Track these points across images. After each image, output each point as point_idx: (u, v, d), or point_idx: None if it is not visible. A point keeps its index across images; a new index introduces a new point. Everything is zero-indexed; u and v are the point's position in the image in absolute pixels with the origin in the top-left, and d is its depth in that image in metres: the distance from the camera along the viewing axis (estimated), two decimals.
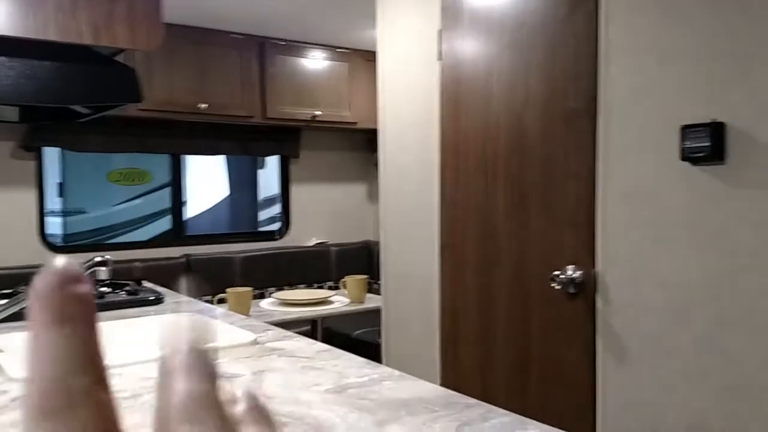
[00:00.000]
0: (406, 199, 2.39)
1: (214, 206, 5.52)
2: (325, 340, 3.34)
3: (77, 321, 0.22)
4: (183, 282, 3.16)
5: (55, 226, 4.62)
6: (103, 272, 1.45)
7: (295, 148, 4.20)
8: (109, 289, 2.05)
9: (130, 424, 0.73)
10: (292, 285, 4.04)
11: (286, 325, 2.42)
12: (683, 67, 1.50)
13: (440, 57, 2.19)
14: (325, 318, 3.48)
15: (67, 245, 4.12)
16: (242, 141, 4.01)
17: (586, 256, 1.74)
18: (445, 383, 2.18)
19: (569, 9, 1.76)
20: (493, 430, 0.89)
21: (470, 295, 2.11)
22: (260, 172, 5.11)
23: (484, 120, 2.04)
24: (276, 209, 4.57)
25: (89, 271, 1.44)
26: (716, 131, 1.42)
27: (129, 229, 5.09)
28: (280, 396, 1.06)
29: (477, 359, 2.10)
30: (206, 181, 5.49)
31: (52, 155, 4.07)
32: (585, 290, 1.74)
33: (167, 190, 4.11)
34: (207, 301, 2.71)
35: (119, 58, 1.93)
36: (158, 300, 1.98)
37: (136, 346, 1.63)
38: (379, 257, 2.56)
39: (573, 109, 1.76)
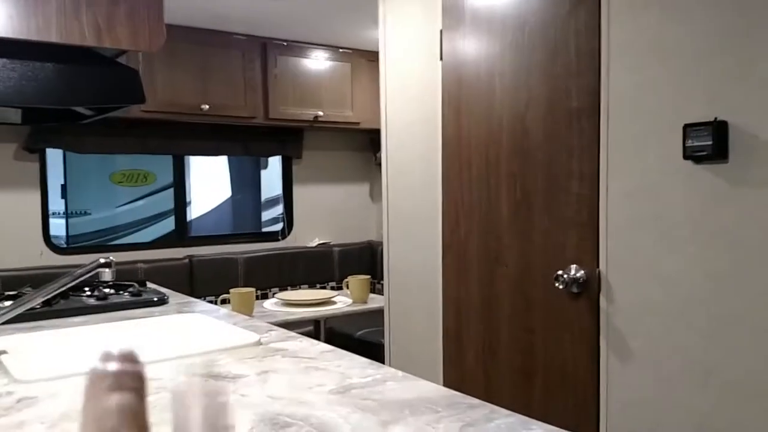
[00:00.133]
0: (409, 198, 2.39)
1: (216, 207, 5.53)
2: (328, 340, 3.35)
3: (130, 391, 0.25)
4: None
5: (58, 227, 4.63)
6: (107, 274, 1.45)
7: (298, 149, 4.20)
8: (113, 291, 2.05)
9: None
10: (294, 285, 4.04)
11: (289, 325, 2.43)
12: (686, 65, 1.49)
13: (442, 57, 2.19)
14: (328, 318, 3.48)
15: (71, 247, 4.13)
16: (245, 142, 4.01)
17: (590, 256, 1.74)
18: (448, 383, 2.18)
19: (571, 8, 1.76)
20: (497, 431, 0.89)
21: (473, 294, 2.11)
22: (263, 173, 5.12)
23: (486, 119, 2.04)
24: (278, 210, 4.57)
25: (93, 272, 1.45)
26: (719, 130, 1.42)
27: (132, 230, 5.11)
28: (283, 397, 1.06)
29: (480, 359, 2.09)
30: (209, 182, 5.49)
31: (55, 157, 4.08)
32: (588, 290, 1.74)
33: (170, 191, 4.12)
34: (210, 302, 2.71)
35: (121, 59, 1.93)
36: (162, 301, 1.98)
37: (140, 348, 1.63)
38: (382, 257, 2.56)
39: (575, 108, 1.76)
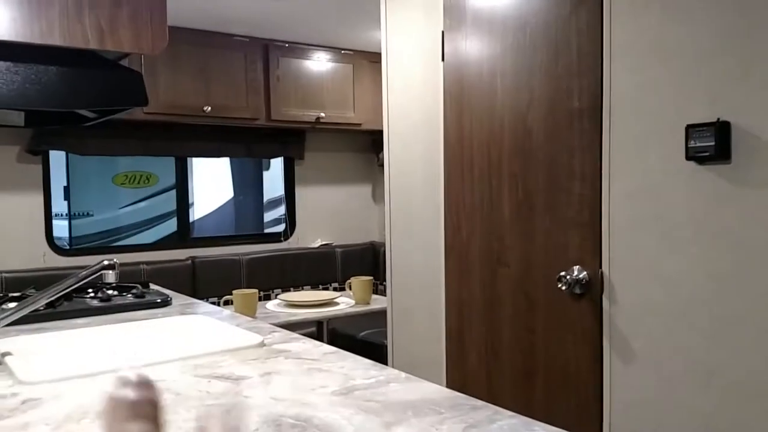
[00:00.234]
0: (411, 199, 2.39)
1: (219, 208, 5.54)
2: (331, 341, 3.35)
3: (149, 419, 0.25)
4: None
5: (61, 229, 4.64)
6: (110, 275, 1.45)
7: (300, 150, 4.21)
8: (116, 292, 2.05)
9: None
10: (297, 287, 4.04)
11: (291, 326, 2.43)
12: (688, 65, 1.49)
13: (444, 58, 2.19)
14: (331, 319, 3.48)
15: (74, 248, 4.14)
16: (247, 143, 4.02)
17: (592, 257, 1.74)
18: (450, 383, 2.19)
19: (572, 8, 1.76)
20: None
21: (476, 295, 2.11)
22: (265, 174, 5.13)
23: (488, 120, 2.04)
24: (281, 211, 4.58)
25: (97, 274, 1.45)
26: (721, 130, 1.42)
27: (135, 231, 5.11)
28: (287, 398, 1.06)
29: (483, 359, 2.10)
30: (211, 183, 5.50)
31: (57, 159, 4.10)
32: (591, 291, 1.74)
33: (173, 193, 4.13)
34: (213, 303, 2.71)
35: (124, 62, 1.94)
36: (165, 303, 1.99)
37: (143, 349, 1.64)
38: (384, 258, 2.56)
39: (577, 109, 1.76)
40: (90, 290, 2.05)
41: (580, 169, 1.76)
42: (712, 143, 1.42)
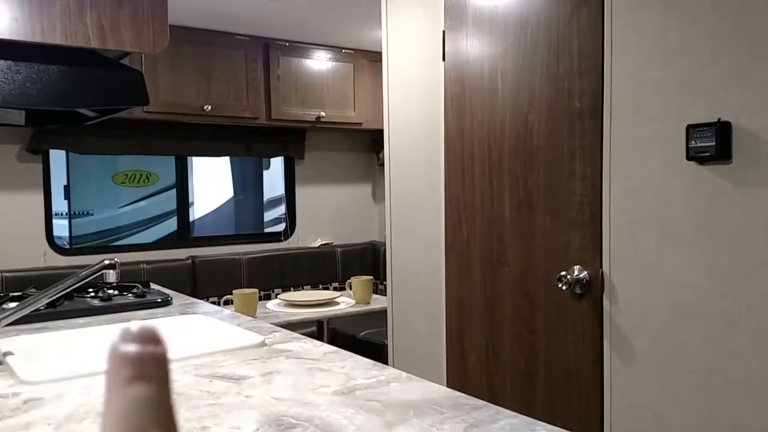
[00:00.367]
0: (412, 199, 2.39)
1: (219, 208, 5.54)
2: (331, 341, 3.35)
3: (153, 380, 0.23)
4: None
5: (61, 228, 4.64)
6: (111, 275, 1.45)
7: (300, 149, 4.21)
8: (117, 292, 2.06)
9: None
10: (297, 286, 4.05)
11: (292, 326, 2.43)
12: (689, 65, 1.49)
13: (444, 57, 2.19)
14: (331, 319, 3.48)
15: (74, 247, 4.14)
16: (247, 142, 4.02)
17: (593, 257, 1.74)
18: (451, 383, 2.19)
19: (573, 8, 1.76)
20: None
21: (476, 295, 2.11)
22: (265, 174, 5.13)
23: (489, 120, 2.04)
24: (281, 210, 4.58)
25: (98, 273, 1.45)
26: (722, 130, 1.42)
27: (135, 231, 5.11)
28: (288, 398, 1.06)
29: (483, 359, 2.10)
30: (211, 182, 5.50)
31: (58, 158, 4.09)
32: (592, 290, 1.74)
33: (173, 192, 4.12)
34: (213, 303, 2.72)
35: (125, 61, 1.94)
36: (166, 302, 1.99)
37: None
38: (385, 258, 2.56)
39: (578, 109, 1.76)
40: (91, 290, 2.05)
41: (581, 168, 1.76)
42: (713, 143, 1.43)
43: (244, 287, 3.64)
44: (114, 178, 4.68)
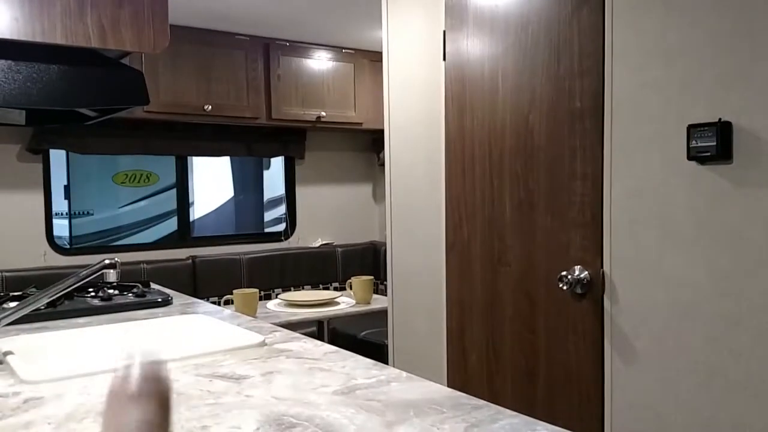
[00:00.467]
0: (412, 199, 2.39)
1: (219, 208, 5.54)
2: (332, 341, 3.35)
3: (153, 398, 0.24)
4: None
5: (61, 228, 4.64)
6: (112, 274, 1.45)
7: (301, 149, 4.21)
8: (117, 292, 2.05)
9: None
10: (298, 286, 4.05)
11: (292, 326, 2.43)
12: (689, 65, 1.49)
13: (445, 57, 2.19)
14: (332, 319, 3.48)
15: (74, 247, 4.14)
16: (247, 142, 4.02)
17: (593, 256, 1.74)
18: (451, 383, 2.19)
19: (574, 8, 1.76)
20: None
21: (477, 294, 2.11)
22: (265, 173, 5.13)
23: (489, 119, 2.04)
24: (281, 210, 4.58)
25: (98, 273, 1.45)
26: (723, 130, 1.42)
27: (135, 230, 5.11)
28: (288, 397, 1.06)
29: (484, 359, 2.10)
30: (212, 182, 5.50)
31: (58, 158, 4.09)
32: (592, 290, 1.74)
33: (173, 192, 4.13)
34: (214, 303, 2.72)
35: (125, 60, 1.94)
36: (166, 302, 1.99)
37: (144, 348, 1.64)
38: (385, 258, 2.56)
39: (579, 109, 1.76)
40: (91, 289, 2.05)
41: (582, 168, 1.76)
42: (714, 143, 1.42)
43: (244, 287, 3.64)
44: (114, 178, 4.68)
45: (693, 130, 1.47)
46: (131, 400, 0.25)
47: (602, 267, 1.71)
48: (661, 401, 1.58)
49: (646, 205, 1.59)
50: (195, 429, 0.93)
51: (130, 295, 2.03)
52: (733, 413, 1.44)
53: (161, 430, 0.26)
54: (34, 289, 1.99)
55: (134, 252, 3.72)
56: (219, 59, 3.57)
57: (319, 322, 3.46)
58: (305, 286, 4.07)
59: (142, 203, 5.07)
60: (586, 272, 1.75)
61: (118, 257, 1.51)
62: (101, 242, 4.96)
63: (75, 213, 4.90)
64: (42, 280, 2.83)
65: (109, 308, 1.89)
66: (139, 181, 4.70)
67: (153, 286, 2.28)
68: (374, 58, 4.01)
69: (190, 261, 3.74)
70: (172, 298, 2.03)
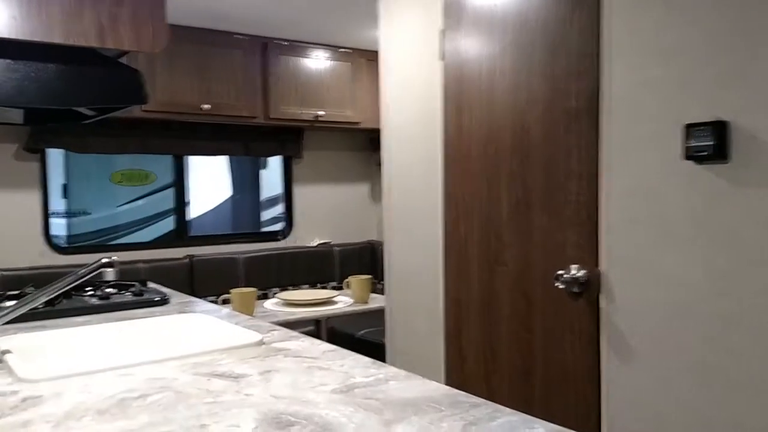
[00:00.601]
0: (410, 198, 2.39)
1: (216, 207, 5.54)
2: (329, 340, 3.35)
3: None
4: None
5: (59, 227, 4.63)
6: (110, 273, 1.45)
7: (298, 149, 4.21)
8: (115, 290, 2.05)
9: (138, 424, 0.75)
10: (295, 285, 4.05)
11: (290, 325, 2.43)
12: (686, 65, 1.50)
13: (442, 57, 2.19)
14: (329, 318, 3.49)
15: (71, 246, 4.14)
16: (245, 141, 4.02)
17: (590, 256, 1.74)
18: (449, 382, 2.19)
19: (571, 7, 1.77)
20: (500, 430, 0.90)
21: (474, 293, 2.12)
22: (263, 173, 5.13)
23: (486, 119, 2.05)
24: (278, 209, 4.58)
25: (96, 272, 1.45)
26: (720, 130, 1.42)
27: (132, 230, 5.11)
28: (287, 396, 1.06)
29: (481, 358, 2.10)
30: (209, 182, 5.50)
31: (55, 157, 4.09)
32: (589, 289, 1.75)
33: (170, 191, 4.12)
34: (211, 302, 2.72)
35: (123, 59, 1.94)
36: (164, 301, 1.99)
37: (143, 347, 1.64)
38: (383, 257, 2.56)
39: (575, 108, 1.77)
40: (89, 288, 2.05)
41: (578, 167, 1.77)
42: (711, 143, 1.43)
43: (241, 286, 3.64)
44: (112, 177, 4.67)
45: (690, 129, 1.47)
46: None
47: (598, 266, 1.72)
48: (658, 400, 1.59)
49: (643, 205, 1.60)
50: (194, 427, 0.93)
51: (128, 294, 2.03)
52: (731, 412, 1.45)
53: None
54: (31, 288, 1.99)
55: (131, 251, 3.71)
56: (217, 59, 3.57)
57: (316, 322, 3.46)
58: (303, 286, 4.07)
59: (140, 202, 5.07)
60: (583, 271, 1.76)
61: (116, 256, 1.51)
62: (98, 241, 4.96)
63: (72, 212, 4.89)
64: (39, 279, 2.82)
65: (107, 307, 1.89)
66: (136, 181, 4.70)
67: (151, 284, 2.28)
68: (372, 57, 4.01)
69: (187, 260, 3.74)
70: (169, 297, 2.03)
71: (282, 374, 1.19)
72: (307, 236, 4.31)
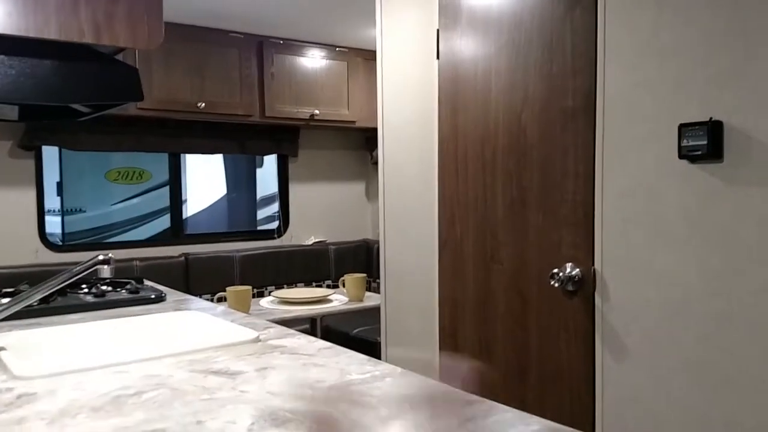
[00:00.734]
0: (405, 197, 2.39)
1: (212, 205, 5.53)
2: (324, 338, 3.35)
3: None
4: None
5: (54, 225, 4.62)
6: (106, 270, 1.45)
7: (294, 147, 4.21)
8: (110, 288, 2.05)
9: (134, 421, 0.76)
10: (291, 284, 4.05)
11: (285, 323, 2.42)
12: (682, 65, 1.51)
13: (439, 56, 2.20)
14: (325, 316, 3.49)
15: (66, 244, 4.12)
16: (241, 140, 4.01)
17: (585, 254, 1.75)
18: (444, 380, 2.19)
19: (567, 7, 1.77)
20: (496, 426, 0.90)
21: (469, 292, 2.12)
22: (258, 171, 5.12)
23: (483, 118, 2.05)
24: (274, 208, 4.57)
25: (92, 269, 1.45)
26: (714, 129, 1.43)
27: (128, 228, 5.10)
28: (283, 392, 1.06)
29: (476, 356, 2.11)
30: (205, 180, 5.49)
31: (50, 154, 4.08)
32: (584, 288, 1.75)
33: (166, 189, 4.12)
34: (207, 300, 2.71)
35: (119, 56, 1.93)
36: (160, 298, 1.98)
37: (138, 344, 1.64)
38: (378, 255, 2.57)
39: (571, 108, 1.77)
40: (84, 286, 2.05)
41: (574, 167, 1.77)
42: (705, 142, 1.44)
43: (237, 284, 3.64)
44: (107, 175, 4.66)
45: (684, 129, 1.48)
46: None
47: (594, 265, 1.72)
48: (653, 398, 1.59)
49: (638, 204, 1.61)
50: (190, 424, 0.93)
51: (123, 291, 2.03)
52: (725, 410, 1.45)
53: None
54: (26, 286, 1.98)
55: (127, 249, 3.71)
56: (213, 57, 3.57)
57: (312, 320, 3.46)
58: (298, 284, 4.07)
59: (135, 200, 5.06)
60: (578, 270, 1.76)
61: (111, 254, 1.51)
62: (94, 239, 4.95)
63: (67, 210, 4.88)
64: (34, 276, 2.82)
65: (103, 304, 1.88)
66: (131, 179, 4.69)
67: (146, 282, 2.28)
68: (368, 56, 4.02)
69: (182, 258, 3.74)
70: (165, 295, 2.03)
71: (278, 371, 1.19)
72: (302, 235, 4.31)
